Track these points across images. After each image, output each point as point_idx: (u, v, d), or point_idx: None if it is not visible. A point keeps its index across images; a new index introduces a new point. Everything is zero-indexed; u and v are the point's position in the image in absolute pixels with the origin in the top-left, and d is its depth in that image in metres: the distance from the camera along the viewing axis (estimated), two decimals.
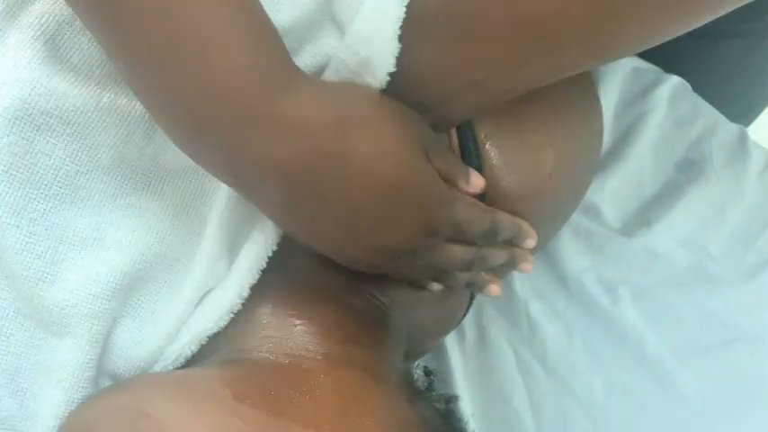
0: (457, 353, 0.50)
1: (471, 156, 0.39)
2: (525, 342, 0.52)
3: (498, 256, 0.39)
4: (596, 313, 0.52)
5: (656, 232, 0.54)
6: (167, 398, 0.30)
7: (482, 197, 0.39)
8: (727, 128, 0.56)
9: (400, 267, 0.36)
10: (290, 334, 0.35)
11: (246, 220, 0.37)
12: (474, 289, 0.41)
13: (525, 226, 0.40)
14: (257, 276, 0.35)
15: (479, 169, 0.39)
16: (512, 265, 0.40)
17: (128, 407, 0.30)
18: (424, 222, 0.34)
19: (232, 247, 0.37)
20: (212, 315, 0.35)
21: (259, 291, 0.35)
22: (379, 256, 0.34)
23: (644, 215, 0.55)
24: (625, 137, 0.56)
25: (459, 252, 0.36)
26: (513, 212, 0.41)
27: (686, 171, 0.55)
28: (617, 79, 0.57)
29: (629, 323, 0.51)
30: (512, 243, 0.40)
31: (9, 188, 0.32)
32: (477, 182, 0.37)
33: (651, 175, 0.56)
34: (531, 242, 0.40)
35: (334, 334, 0.35)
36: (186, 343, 0.35)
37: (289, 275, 0.37)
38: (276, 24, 0.31)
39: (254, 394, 0.30)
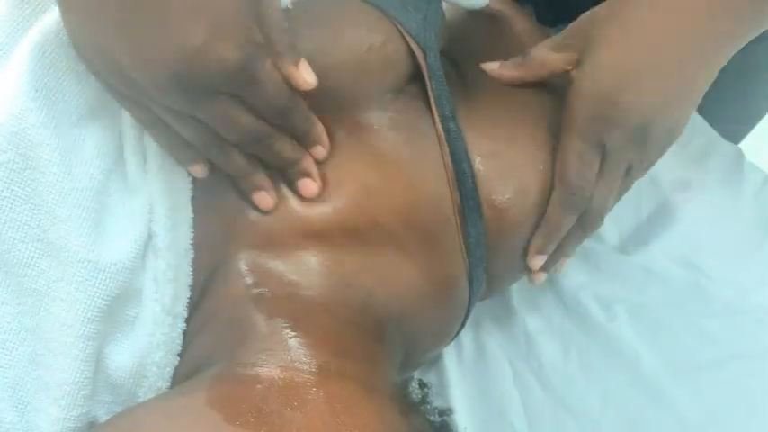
0: (454, 365, 0.51)
1: (465, 175, 0.40)
2: (522, 356, 0.52)
3: (283, 146, 0.36)
4: (593, 329, 0.52)
5: (652, 250, 0.54)
6: (159, 429, 0.31)
7: (479, 213, 0.40)
8: (724, 148, 0.57)
9: (167, 114, 0.32)
10: (285, 346, 0.35)
11: None
12: (243, 188, 0.36)
13: (321, 130, 0.37)
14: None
15: (474, 189, 0.40)
16: (291, 166, 0.37)
17: None
18: (219, 46, 0.30)
19: None
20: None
21: (254, 303, 0.36)
22: (149, 76, 0.30)
23: (640, 233, 0.56)
24: None
25: (244, 118, 0.33)
26: (508, 232, 0.42)
27: (682, 190, 0.56)
28: None
29: (625, 339, 0.51)
30: (302, 142, 0.37)
31: (12, 203, 0.33)
32: (307, 76, 0.34)
33: (648, 193, 0.57)
34: (321, 151, 0.37)
35: (329, 346, 0.35)
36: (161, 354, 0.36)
37: (283, 290, 0.37)
38: None
39: (245, 414, 0.30)
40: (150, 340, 0.35)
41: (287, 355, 0.34)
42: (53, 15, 0.34)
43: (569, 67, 0.40)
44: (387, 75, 0.39)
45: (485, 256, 0.42)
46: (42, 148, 0.33)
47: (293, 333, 0.35)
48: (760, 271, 0.53)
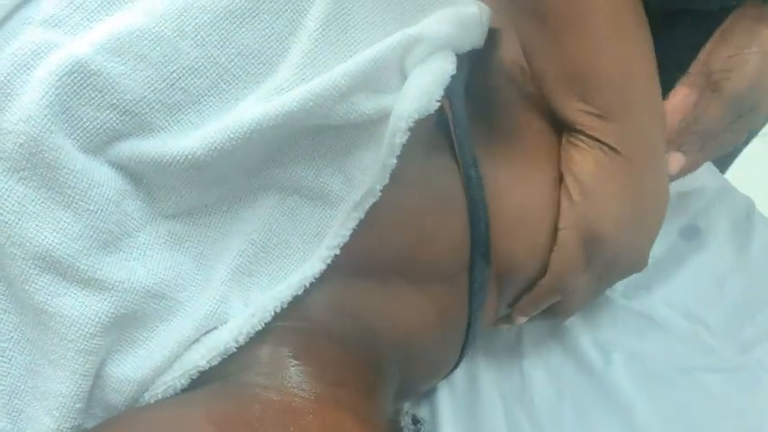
0: (447, 399, 0.51)
1: (480, 222, 0.40)
2: (516, 395, 0.52)
3: None
4: (589, 374, 0.52)
5: (654, 298, 0.54)
6: None
7: (487, 260, 0.40)
8: (735, 197, 0.56)
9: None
10: (285, 372, 0.36)
11: (262, 268, 0.38)
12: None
13: None
14: (258, 328, 0.36)
15: (486, 236, 0.40)
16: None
17: None
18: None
19: (244, 291, 0.38)
20: (206, 354, 0.36)
21: (259, 333, 0.36)
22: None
23: (644, 279, 0.55)
24: None
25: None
26: (510, 281, 0.43)
27: (690, 239, 0.55)
28: None
29: (621, 387, 0.51)
30: None
31: (20, 218, 0.33)
32: None
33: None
34: None
35: (328, 376, 0.36)
36: (177, 376, 0.36)
37: (292, 324, 0.38)
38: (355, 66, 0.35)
39: None
40: (154, 376, 0.36)
41: (287, 381, 0.35)
42: (86, 40, 0.35)
43: None
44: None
45: (486, 299, 0.42)
46: (59, 170, 0.34)
47: (296, 362, 0.36)
48: (764, 327, 0.52)
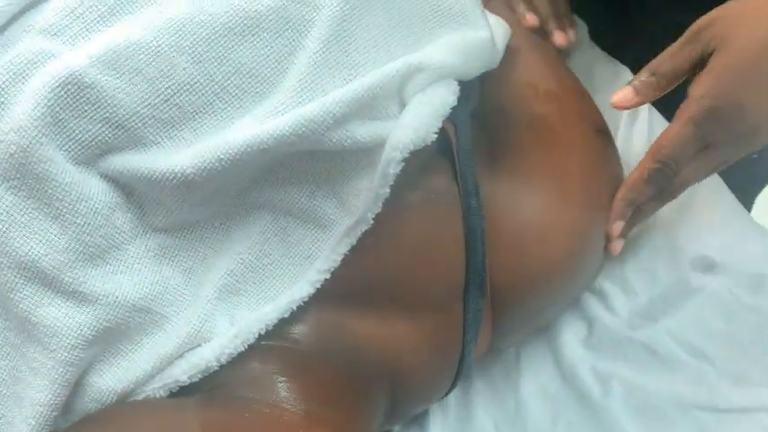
0: (438, 422, 0.50)
1: (477, 252, 0.39)
2: (509, 421, 0.51)
3: None
4: (586, 403, 0.51)
5: (659, 331, 0.52)
6: None
7: (482, 291, 0.39)
8: (756, 234, 0.54)
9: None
10: (273, 388, 0.36)
11: (250, 288, 0.38)
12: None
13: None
14: (241, 349, 0.36)
15: (482, 266, 0.39)
16: None
17: None
18: None
19: (230, 309, 0.38)
20: (187, 370, 0.36)
21: (246, 351, 0.36)
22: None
23: (651, 309, 0.53)
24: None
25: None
26: (506, 313, 0.41)
27: (703, 272, 0.53)
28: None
29: (616, 419, 0.50)
30: None
31: (8, 227, 0.34)
32: None
33: (667, 265, 0.55)
34: None
35: (316, 395, 0.36)
36: (157, 387, 0.36)
37: (279, 343, 0.37)
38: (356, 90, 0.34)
39: None
40: (134, 388, 0.36)
41: (275, 396, 0.35)
42: (84, 51, 0.34)
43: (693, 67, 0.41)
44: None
45: (480, 330, 0.41)
46: (48, 182, 0.34)
47: (282, 379, 0.36)
48: None
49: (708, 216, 0.54)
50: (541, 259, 0.42)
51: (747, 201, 0.67)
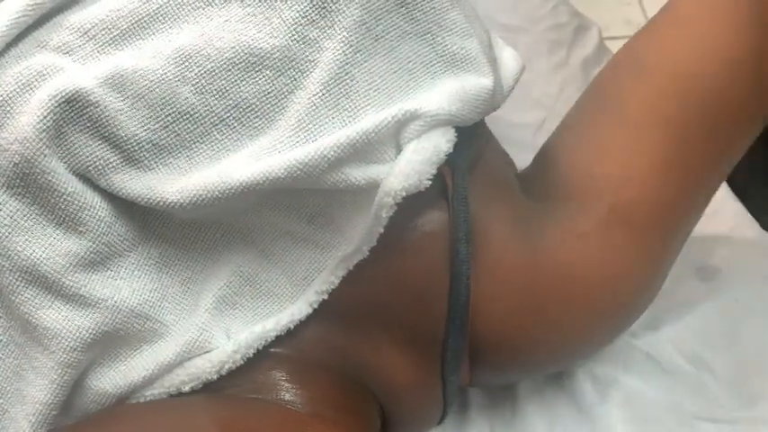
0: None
1: (460, 296, 0.38)
2: (506, 425, 0.51)
3: None
4: (582, 410, 0.51)
5: (661, 338, 0.52)
6: None
7: (463, 333, 0.39)
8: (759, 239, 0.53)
9: None
10: (280, 392, 0.37)
11: (246, 302, 0.39)
12: None
13: None
14: (240, 363, 0.37)
15: (465, 310, 0.38)
16: None
17: None
18: None
19: (226, 322, 0.39)
20: (186, 381, 0.37)
21: (251, 359, 0.37)
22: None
23: (653, 317, 0.53)
24: None
25: None
26: (494, 350, 0.41)
27: (707, 280, 0.53)
28: None
29: (612, 427, 0.50)
30: None
31: (10, 232, 0.35)
32: None
33: (672, 272, 0.54)
34: None
35: (324, 399, 0.37)
36: (156, 393, 0.37)
37: (285, 351, 0.38)
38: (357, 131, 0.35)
39: None
40: (132, 393, 0.37)
41: (281, 398, 0.36)
42: (92, 71, 0.35)
43: None
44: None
45: (459, 369, 0.41)
46: (51, 192, 0.35)
47: (289, 385, 0.37)
48: None
49: (714, 225, 0.54)
50: (525, 311, 0.40)
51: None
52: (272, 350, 0.38)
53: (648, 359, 0.52)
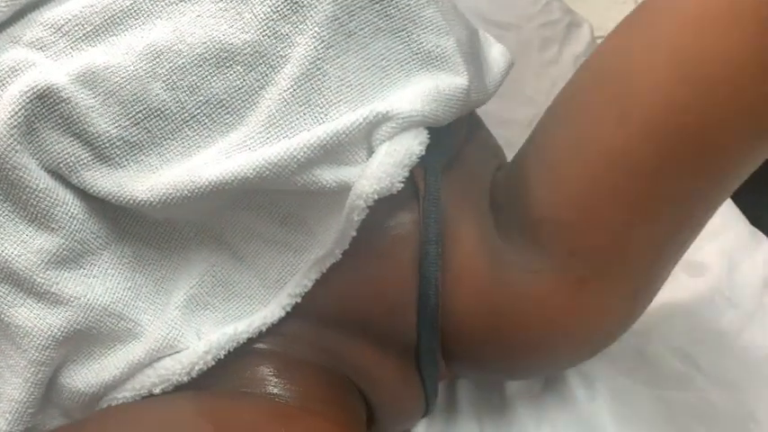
0: (424, 420, 0.50)
1: (429, 300, 0.38)
2: (494, 420, 0.51)
3: None
4: (570, 406, 0.51)
5: (650, 333, 0.52)
6: None
7: (436, 337, 0.38)
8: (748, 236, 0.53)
9: None
10: (268, 386, 0.37)
11: (218, 303, 0.38)
12: None
13: None
14: (211, 365, 0.36)
15: (435, 314, 0.38)
16: None
17: None
18: None
19: (196, 321, 0.38)
20: (157, 382, 0.36)
21: (242, 351, 0.37)
22: None
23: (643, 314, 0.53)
24: None
25: None
26: (469, 353, 0.41)
27: (696, 276, 0.53)
28: None
29: (601, 423, 0.50)
30: None
31: None
32: None
33: None
34: None
35: (312, 393, 0.37)
36: (129, 396, 0.37)
37: (270, 347, 0.38)
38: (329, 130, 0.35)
39: (236, 429, 0.32)
40: (104, 392, 0.37)
41: (270, 391, 0.36)
42: (64, 68, 0.35)
43: None
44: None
45: (437, 370, 0.41)
46: (22, 189, 0.35)
47: (276, 380, 0.37)
48: (762, 377, 0.50)
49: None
50: (498, 314, 0.39)
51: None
52: (256, 346, 0.38)
53: (636, 354, 0.52)
